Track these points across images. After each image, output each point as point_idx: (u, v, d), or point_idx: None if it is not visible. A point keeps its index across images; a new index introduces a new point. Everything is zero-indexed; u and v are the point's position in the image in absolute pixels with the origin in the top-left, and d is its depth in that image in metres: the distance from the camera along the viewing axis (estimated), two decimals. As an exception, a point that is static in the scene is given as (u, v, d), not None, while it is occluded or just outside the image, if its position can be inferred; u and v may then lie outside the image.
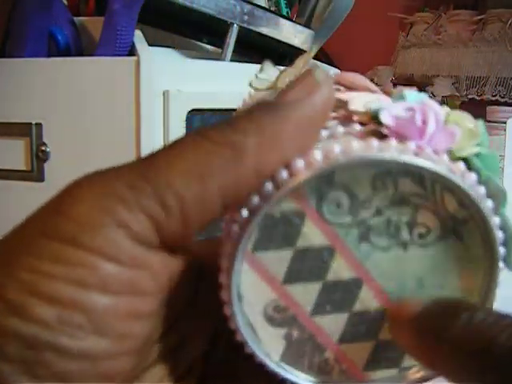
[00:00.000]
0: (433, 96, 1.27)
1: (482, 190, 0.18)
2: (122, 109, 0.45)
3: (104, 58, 0.45)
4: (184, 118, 0.47)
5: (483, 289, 0.19)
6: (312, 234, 0.18)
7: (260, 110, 0.18)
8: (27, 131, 0.48)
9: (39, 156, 0.47)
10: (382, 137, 0.18)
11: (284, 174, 0.17)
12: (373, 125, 0.18)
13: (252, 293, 0.18)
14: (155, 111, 0.45)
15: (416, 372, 0.20)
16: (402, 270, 0.19)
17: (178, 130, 0.46)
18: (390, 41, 1.50)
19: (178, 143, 0.18)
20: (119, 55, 0.45)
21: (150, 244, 0.17)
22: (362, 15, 0.93)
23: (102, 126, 0.45)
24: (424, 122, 0.18)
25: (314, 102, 0.18)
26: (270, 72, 0.28)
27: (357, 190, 0.18)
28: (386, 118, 0.18)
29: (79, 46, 0.48)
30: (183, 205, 0.17)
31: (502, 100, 1.26)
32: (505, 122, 0.55)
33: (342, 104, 0.20)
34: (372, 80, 0.22)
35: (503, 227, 0.19)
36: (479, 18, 1.32)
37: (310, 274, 0.18)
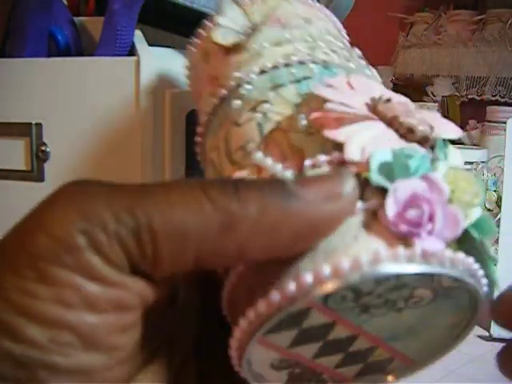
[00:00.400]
0: (433, 96, 1.27)
1: (477, 267, 0.19)
2: (121, 109, 0.45)
3: (104, 58, 0.45)
4: (184, 118, 0.47)
5: (466, 321, 0.21)
6: (316, 318, 0.18)
7: (272, 188, 0.17)
8: (27, 131, 0.48)
9: (39, 156, 0.47)
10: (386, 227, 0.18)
11: (292, 286, 0.17)
12: (375, 199, 0.18)
13: (260, 358, 0.20)
14: (155, 111, 0.45)
15: (391, 380, 0.23)
16: (395, 324, 0.20)
17: (177, 130, 0.46)
18: (390, 41, 1.50)
19: (176, 187, 0.17)
20: (119, 55, 0.45)
21: (126, 271, 0.17)
22: (362, 15, 0.93)
23: (102, 126, 0.45)
24: (431, 218, 0.18)
25: (329, 210, 0.17)
26: (233, 15, 0.23)
27: (361, 287, 0.18)
28: (391, 213, 0.18)
29: (79, 46, 0.48)
30: (157, 251, 0.17)
31: (502, 100, 1.26)
32: (505, 122, 0.55)
33: (338, 145, 0.19)
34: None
35: (489, 280, 0.19)
36: (479, 18, 1.32)
37: (313, 338, 0.20)
